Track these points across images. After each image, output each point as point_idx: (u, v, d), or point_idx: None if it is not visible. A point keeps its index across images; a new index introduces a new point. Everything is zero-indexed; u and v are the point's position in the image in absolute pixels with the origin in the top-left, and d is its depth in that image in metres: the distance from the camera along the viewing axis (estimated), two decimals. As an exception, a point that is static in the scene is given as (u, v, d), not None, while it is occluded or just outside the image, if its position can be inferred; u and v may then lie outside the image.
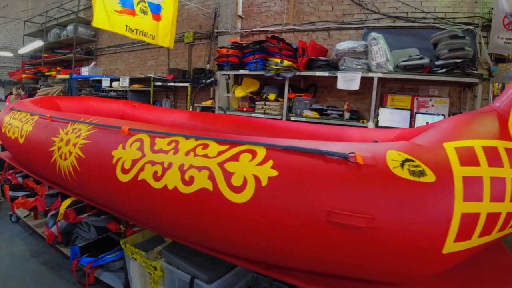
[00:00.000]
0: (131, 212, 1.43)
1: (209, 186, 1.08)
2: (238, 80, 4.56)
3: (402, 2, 3.82)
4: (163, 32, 3.37)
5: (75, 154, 1.57)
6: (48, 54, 7.56)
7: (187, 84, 4.55)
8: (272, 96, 3.99)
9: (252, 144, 1.13)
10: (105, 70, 6.69)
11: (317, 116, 3.75)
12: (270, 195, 0.99)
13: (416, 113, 3.48)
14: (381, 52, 3.34)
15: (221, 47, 4.08)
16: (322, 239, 0.94)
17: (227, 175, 1.07)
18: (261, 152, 1.09)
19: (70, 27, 6.68)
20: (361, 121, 3.63)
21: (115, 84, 5.66)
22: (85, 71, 6.43)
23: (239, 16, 4.63)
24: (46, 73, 7.13)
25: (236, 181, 1.05)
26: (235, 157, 1.10)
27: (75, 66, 6.68)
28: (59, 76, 6.36)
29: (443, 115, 3.27)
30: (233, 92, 4.32)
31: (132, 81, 5.35)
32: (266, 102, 3.93)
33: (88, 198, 1.75)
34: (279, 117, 3.79)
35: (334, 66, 3.62)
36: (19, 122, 2.28)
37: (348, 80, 3.48)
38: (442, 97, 3.52)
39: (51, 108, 2.92)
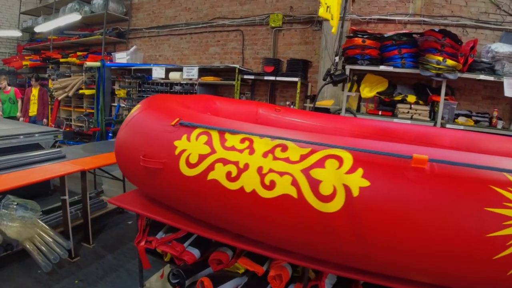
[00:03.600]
0: None
1: None
2: (350, 76, 3.92)
3: (535, 8, 3.56)
4: (334, 11, 2.55)
5: None
6: (57, 36, 6.04)
7: (295, 79, 3.79)
8: (411, 98, 3.44)
9: None
10: (143, 57, 5.51)
11: (472, 123, 3.31)
12: None
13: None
14: (544, 61, 3.12)
15: (353, 36, 3.40)
16: None
17: None
18: None
19: (97, 1, 5.33)
20: (525, 130, 3.27)
21: (173, 75, 4.63)
22: (121, 57, 5.20)
23: None
24: (61, 60, 5.65)
25: None
26: None
27: (101, 51, 5.40)
28: (88, 63, 5.04)
29: None
30: (356, 91, 3.68)
31: (201, 72, 4.41)
32: (412, 106, 3.37)
33: None
34: (431, 123, 3.27)
35: (494, 69, 3.22)
36: (284, 164, 1.09)
37: (515, 87, 3.11)
38: None
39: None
